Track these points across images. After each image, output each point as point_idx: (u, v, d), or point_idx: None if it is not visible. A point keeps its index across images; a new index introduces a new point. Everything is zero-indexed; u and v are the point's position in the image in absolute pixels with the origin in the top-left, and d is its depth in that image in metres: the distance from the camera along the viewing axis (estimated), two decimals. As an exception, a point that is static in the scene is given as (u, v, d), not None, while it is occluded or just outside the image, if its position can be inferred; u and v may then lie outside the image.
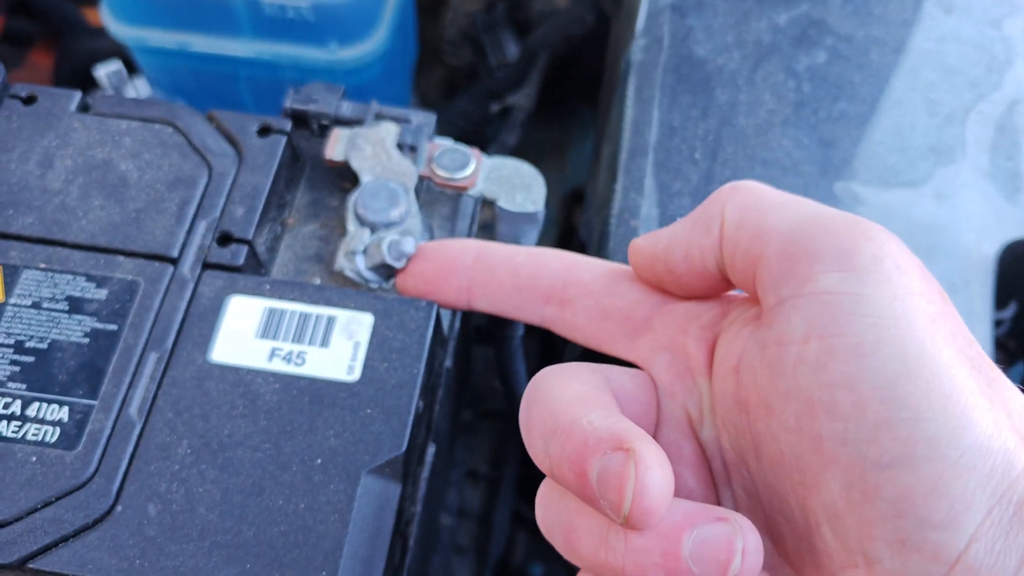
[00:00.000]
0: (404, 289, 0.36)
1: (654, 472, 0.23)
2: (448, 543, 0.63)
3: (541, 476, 0.58)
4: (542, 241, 0.50)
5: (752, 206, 0.28)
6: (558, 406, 0.26)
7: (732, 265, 0.28)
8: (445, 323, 0.42)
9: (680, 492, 0.29)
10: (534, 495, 0.68)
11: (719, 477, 0.29)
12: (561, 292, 0.33)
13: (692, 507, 0.24)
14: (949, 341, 0.23)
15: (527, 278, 0.34)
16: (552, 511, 0.27)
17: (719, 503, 0.29)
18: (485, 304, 0.35)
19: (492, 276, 0.34)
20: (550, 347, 0.64)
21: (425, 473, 0.41)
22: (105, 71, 0.65)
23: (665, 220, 0.45)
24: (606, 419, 0.25)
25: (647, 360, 0.31)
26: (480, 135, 0.83)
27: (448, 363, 0.44)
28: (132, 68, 0.72)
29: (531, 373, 0.53)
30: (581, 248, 0.60)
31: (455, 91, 0.97)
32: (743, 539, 0.23)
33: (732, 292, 0.31)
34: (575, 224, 0.82)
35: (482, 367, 0.70)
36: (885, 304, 0.24)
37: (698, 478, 0.29)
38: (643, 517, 0.23)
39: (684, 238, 0.30)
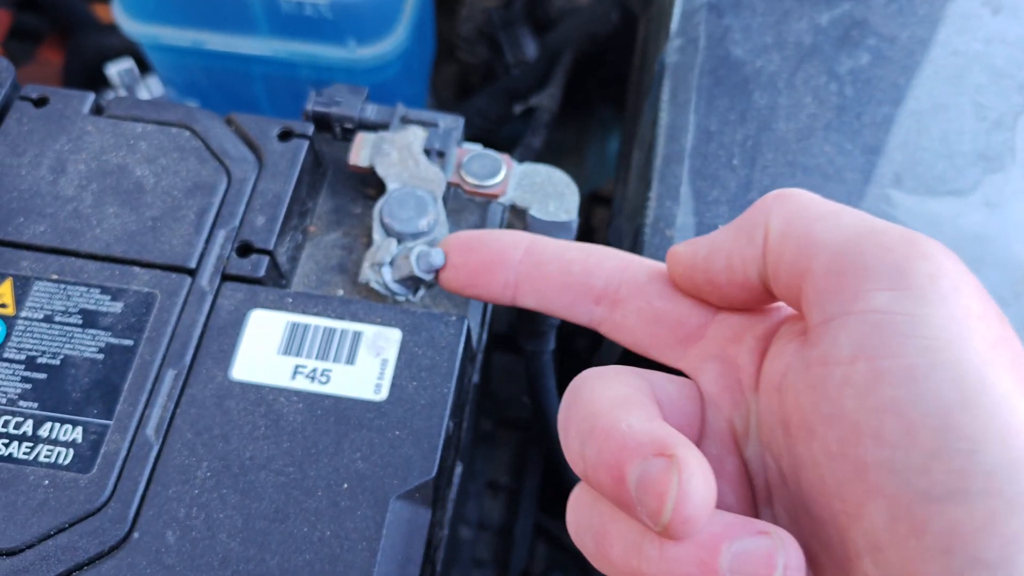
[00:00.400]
0: (447, 284, 0.34)
1: (697, 480, 0.22)
2: (468, 556, 0.61)
3: (562, 486, 0.56)
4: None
5: (798, 216, 0.26)
6: (597, 407, 0.25)
7: (776, 278, 0.27)
8: (473, 336, 0.40)
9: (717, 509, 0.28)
10: (554, 506, 0.66)
11: (760, 496, 0.28)
12: (614, 292, 0.31)
13: (733, 519, 0.23)
14: (1009, 369, 0.22)
15: (579, 275, 0.32)
16: (584, 516, 0.26)
17: None
18: (532, 301, 0.33)
19: (542, 271, 0.32)
20: (573, 360, 0.62)
21: (453, 494, 0.39)
22: (117, 69, 0.64)
23: (702, 229, 0.43)
24: (647, 423, 0.24)
25: (696, 369, 0.30)
26: (497, 135, 0.81)
27: (476, 378, 0.42)
28: (144, 66, 0.70)
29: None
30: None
31: (469, 89, 0.95)
32: (785, 554, 0.22)
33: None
34: (593, 226, 0.80)
35: (501, 375, 0.68)
36: (941, 326, 0.22)
37: (738, 495, 0.28)
38: (683, 526, 0.22)
39: (726, 247, 0.28)
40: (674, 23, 0.49)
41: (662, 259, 0.33)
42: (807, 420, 0.24)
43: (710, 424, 0.29)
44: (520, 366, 0.68)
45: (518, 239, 0.33)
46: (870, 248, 0.24)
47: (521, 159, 0.68)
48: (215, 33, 0.63)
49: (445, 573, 0.50)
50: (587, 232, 0.81)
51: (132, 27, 0.64)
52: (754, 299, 0.28)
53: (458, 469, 0.40)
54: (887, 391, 0.22)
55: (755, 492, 0.28)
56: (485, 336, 0.43)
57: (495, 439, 0.65)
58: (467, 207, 0.43)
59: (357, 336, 0.36)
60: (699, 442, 0.28)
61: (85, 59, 0.80)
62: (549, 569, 0.71)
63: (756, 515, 0.28)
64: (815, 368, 0.24)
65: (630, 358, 0.43)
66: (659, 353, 0.31)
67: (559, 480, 0.59)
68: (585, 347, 0.61)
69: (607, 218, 0.78)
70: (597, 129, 0.88)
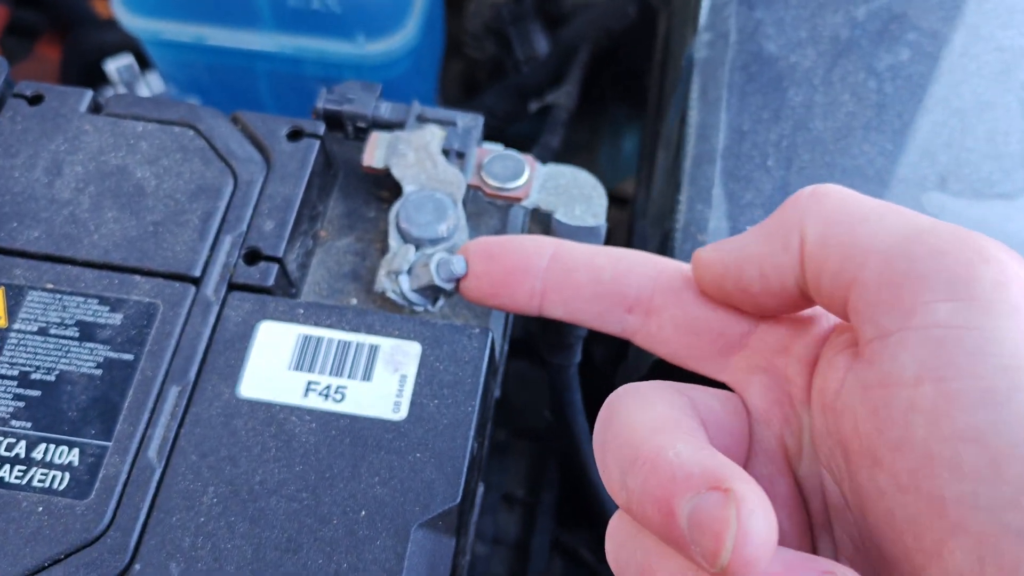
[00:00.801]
0: (469, 294, 0.31)
1: (758, 518, 0.19)
2: (482, 573, 0.59)
3: (582, 500, 0.54)
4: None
5: (838, 219, 0.24)
6: (639, 432, 0.23)
7: (817, 288, 0.24)
8: (496, 348, 0.38)
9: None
10: (571, 520, 0.63)
11: (817, 520, 0.26)
12: (648, 300, 0.29)
13: (794, 557, 0.21)
14: None
15: (610, 283, 0.29)
16: (626, 549, 0.24)
17: (815, 550, 0.26)
18: (560, 310, 0.30)
19: (569, 279, 0.30)
20: (592, 373, 0.60)
21: (475, 517, 0.37)
22: (116, 65, 0.61)
23: (736, 234, 0.41)
24: (697, 451, 0.22)
25: (740, 382, 0.27)
26: (505, 133, 0.79)
27: (498, 393, 0.39)
28: (144, 62, 0.67)
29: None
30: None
31: (475, 86, 0.93)
32: None
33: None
34: (608, 227, 0.78)
35: (515, 382, 0.66)
36: (1017, 341, 0.20)
37: (792, 521, 0.25)
38: (744, 569, 0.19)
39: (757, 254, 0.26)
40: (702, 16, 0.46)
41: (695, 266, 0.31)
42: (870, 448, 0.22)
43: (759, 442, 0.26)
44: (535, 372, 0.65)
45: (543, 245, 0.31)
46: (924, 253, 0.21)
47: (538, 159, 0.66)
48: (218, 28, 0.61)
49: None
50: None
51: (132, 22, 0.62)
52: (792, 306, 0.26)
53: (480, 490, 0.38)
54: (963, 417, 0.20)
55: (811, 516, 0.26)
56: (506, 347, 0.41)
57: (510, 449, 0.62)
58: (487, 211, 0.40)
59: (374, 350, 0.34)
60: (747, 462, 0.26)
61: (83, 55, 0.78)
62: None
63: (813, 541, 0.25)
64: (875, 391, 0.22)
65: (661, 370, 0.41)
66: (699, 365, 0.29)
67: (580, 493, 0.57)
68: (604, 358, 0.59)
69: (621, 219, 0.76)
70: (610, 127, 0.85)
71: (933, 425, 0.20)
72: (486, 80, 0.90)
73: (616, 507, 0.25)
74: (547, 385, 0.44)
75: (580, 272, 0.30)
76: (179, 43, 0.62)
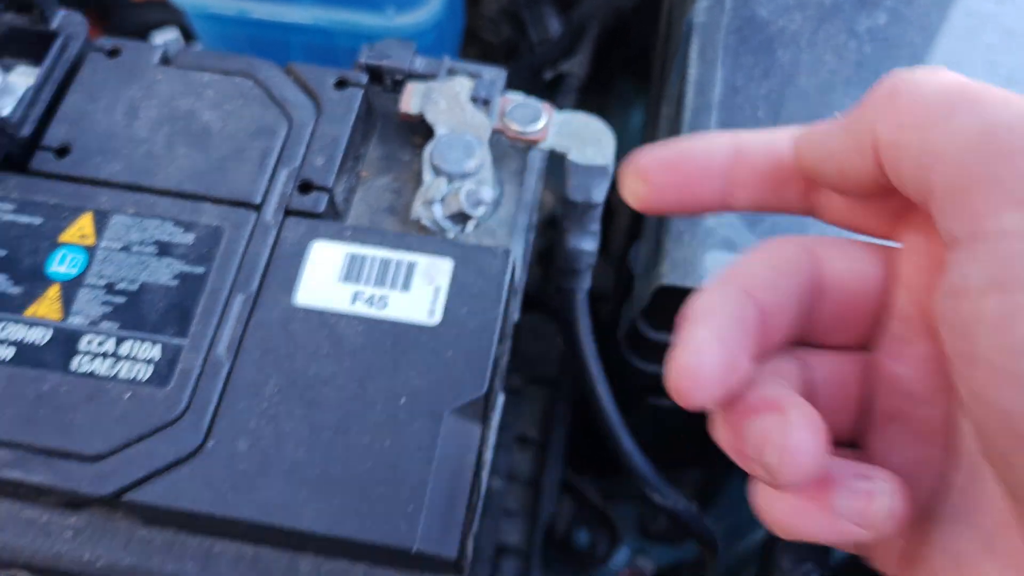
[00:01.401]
0: (649, 207, 0.29)
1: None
2: (497, 506, 0.64)
3: (587, 444, 0.57)
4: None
5: (908, 121, 0.22)
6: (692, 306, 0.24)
7: (904, 190, 0.23)
8: (517, 271, 0.43)
9: (902, 398, 0.26)
10: (581, 463, 0.68)
11: None
12: None
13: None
14: None
15: (788, 169, 0.28)
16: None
17: (951, 413, 0.25)
18: (745, 203, 0.29)
19: (754, 173, 0.28)
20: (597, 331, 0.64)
21: (495, 420, 0.42)
22: (163, 39, 0.66)
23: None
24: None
25: (904, 244, 0.27)
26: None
27: (516, 316, 0.44)
28: (187, 36, 0.73)
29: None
30: (635, 218, 0.61)
31: (491, 70, 0.97)
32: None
33: None
34: (612, 203, 0.82)
35: (529, 334, 0.70)
36: None
37: (926, 384, 0.25)
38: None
39: (837, 156, 0.24)
40: (702, -14, 0.51)
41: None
42: (951, 355, 0.21)
43: (898, 306, 0.26)
44: (547, 326, 0.70)
45: (721, 145, 0.28)
46: (994, 155, 0.20)
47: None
48: (259, 2, 0.66)
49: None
50: (607, 211, 0.83)
51: (180, -4, 0.67)
52: (888, 197, 0.25)
53: (500, 398, 0.43)
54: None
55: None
56: (525, 276, 0.46)
57: (524, 394, 0.67)
58: (509, 153, 0.45)
59: (411, 266, 0.39)
60: (880, 322, 0.26)
61: (129, 35, 0.83)
62: (575, 524, 0.73)
63: (949, 402, 0.26)
64: (949, 301, 0.21)
65: (663, 295, 0.45)
66: (872, 234, 0.28)
67: (583, 438, 0.62)
68: (608, 315, 0.64)
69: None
70: (618, 104, 0.90)
71: (997, 337, 0.20)
72: (501, 62, 0.95)
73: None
74: (557, 311, 0.49)
75: (761, 163, 0.28)
76: (223, 16, 0.67)
